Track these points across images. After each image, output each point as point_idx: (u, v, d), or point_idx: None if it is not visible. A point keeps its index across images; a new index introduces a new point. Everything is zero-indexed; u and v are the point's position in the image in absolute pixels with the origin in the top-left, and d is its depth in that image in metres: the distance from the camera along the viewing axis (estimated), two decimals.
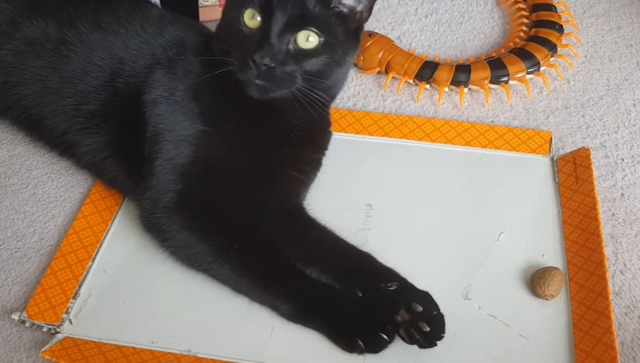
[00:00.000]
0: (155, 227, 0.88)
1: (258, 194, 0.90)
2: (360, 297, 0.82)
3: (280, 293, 0.83)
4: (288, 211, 0.93)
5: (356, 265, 0.87)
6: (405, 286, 0.84)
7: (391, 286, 0.83)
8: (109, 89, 0.94)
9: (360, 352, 0.79)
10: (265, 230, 0.89)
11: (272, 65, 0.80)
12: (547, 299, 0.85)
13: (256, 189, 0.90)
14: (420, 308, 0.79)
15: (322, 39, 0.83)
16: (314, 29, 0.82)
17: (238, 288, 0.85)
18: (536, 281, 0.85)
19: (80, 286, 0.88)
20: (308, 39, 0.82)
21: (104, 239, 0.94)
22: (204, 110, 0.89)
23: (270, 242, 0.87)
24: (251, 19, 0.82)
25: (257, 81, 0.82)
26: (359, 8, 0.87)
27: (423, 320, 0.78)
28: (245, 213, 0.88)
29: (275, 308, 0.83)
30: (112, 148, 0.95)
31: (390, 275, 0.85)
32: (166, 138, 0.89)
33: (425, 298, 0.82)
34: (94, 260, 0.91)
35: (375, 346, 0.79)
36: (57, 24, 0.98)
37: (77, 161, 1.01)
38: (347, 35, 0.87)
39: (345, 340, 0.80)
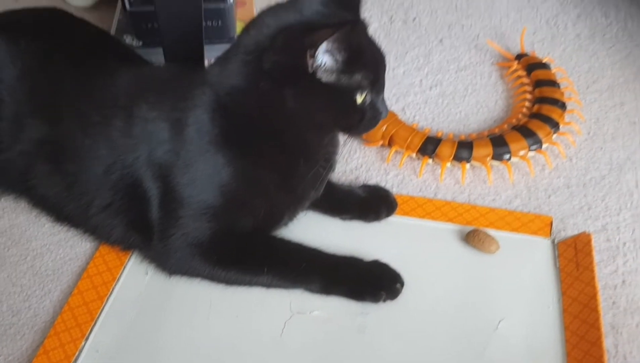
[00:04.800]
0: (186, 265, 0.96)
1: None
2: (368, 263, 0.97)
3: (310, 279, 0.95)
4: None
5: None
6: None
7: None
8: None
9: (384, 300, 0.94)
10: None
11: None
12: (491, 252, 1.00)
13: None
14: None
15: None
16: None
17: (271, 286, 0.97)
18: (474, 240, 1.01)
19: None
20: None
21: (98, 316, 0.93)
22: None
23: (285, 240, 0.99)
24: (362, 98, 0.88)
25: None
26: None
27: None
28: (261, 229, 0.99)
29: (308, 289, 0.95)
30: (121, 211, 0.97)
31: None
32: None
33: None
34: (87, 339, 0.91)
35: (393, 294, 0.94)
36: (50, 124, 0.99)
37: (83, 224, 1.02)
38: None
39: (371, 294, 0.94)
